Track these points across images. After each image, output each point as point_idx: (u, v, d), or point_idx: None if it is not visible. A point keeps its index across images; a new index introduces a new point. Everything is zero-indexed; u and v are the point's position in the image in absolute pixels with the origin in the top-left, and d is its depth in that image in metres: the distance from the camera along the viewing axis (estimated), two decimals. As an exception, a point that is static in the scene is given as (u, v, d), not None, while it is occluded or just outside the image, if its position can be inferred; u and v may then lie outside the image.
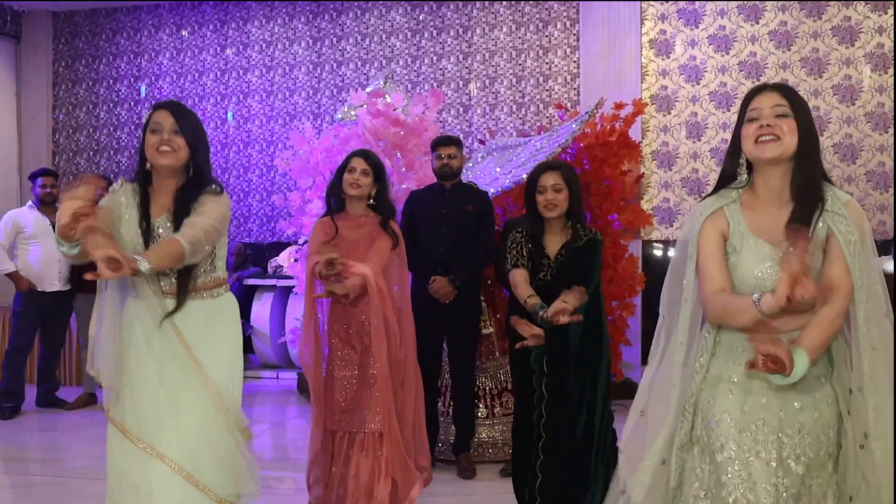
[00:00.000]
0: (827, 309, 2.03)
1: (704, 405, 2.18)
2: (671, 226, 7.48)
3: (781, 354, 1.92)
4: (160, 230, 2.50)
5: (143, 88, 8.88)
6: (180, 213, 2.48)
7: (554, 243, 3.22)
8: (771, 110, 2.07)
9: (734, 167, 2.18)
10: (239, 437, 2.58)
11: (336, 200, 3.52)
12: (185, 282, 2.49)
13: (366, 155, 3.49)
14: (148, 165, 2.52)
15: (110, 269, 2.06)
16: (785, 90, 2.12)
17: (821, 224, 2.08)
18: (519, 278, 3.17)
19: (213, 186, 2.54)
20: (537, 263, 3.18)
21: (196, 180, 2.53)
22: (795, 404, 2.11)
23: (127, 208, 2.50)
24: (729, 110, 7.42)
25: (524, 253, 3.20)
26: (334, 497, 3.40)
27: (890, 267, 5.49)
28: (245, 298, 7.40)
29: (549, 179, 3.15)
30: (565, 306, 2.94)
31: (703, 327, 2.24)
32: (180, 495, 2.46)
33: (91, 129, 9.02)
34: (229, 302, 2.66)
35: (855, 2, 7.21)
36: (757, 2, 7.43)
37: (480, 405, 4.77)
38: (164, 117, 2.49)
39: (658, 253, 7.64)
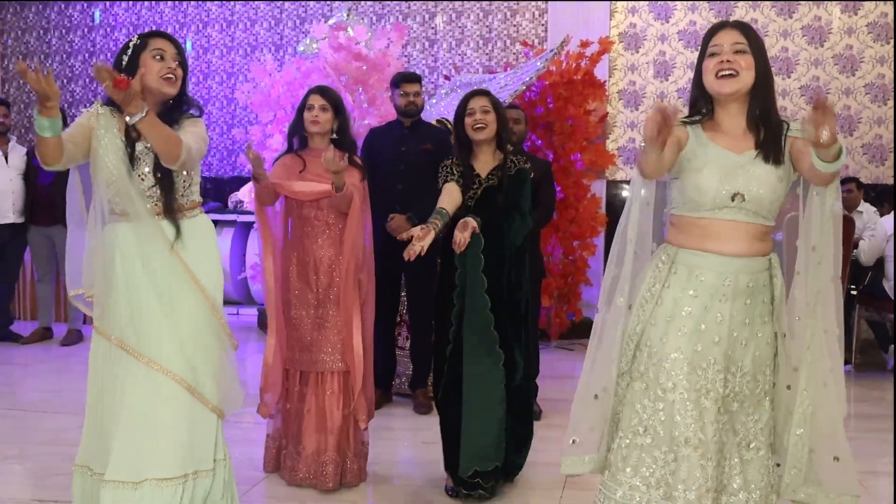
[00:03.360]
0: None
1: (655, 341, 2.19)
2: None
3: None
4: (141, 154, 2.55)
5: (97, 14, 8.55)
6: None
7: (484, 166, 3.32)
8: (731, 46, 2.17)
9: (702, 98, 2.25)
10: (229, 345, 2.68)
11: (299, 139, 3.48)
12: (170, 202, 2.56)
13: (323, 91, 3.45)
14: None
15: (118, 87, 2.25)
16: (743, 28, 2.21)
17: (785, 144, 2.18)
18: (444, 191, 3.24)
19: (194, 110, 2.64)
20: (468, 183, 3.28)
21: (180, 103, 2.60)
22: (742, 342, 2.17)
23: (106, 131, 2.51)
24: (697, 50, 7.34)
25: (454, 171, 3.29)
26: (291, 431, 3.45)
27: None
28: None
29: (478, 102, 3.30)
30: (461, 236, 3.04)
31: (655, 257, 2.27)
32: (181, 405, 2.54)
33: (42, 56, 8.69)
34: (206, 221, 2.73)
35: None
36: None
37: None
38: (166, 45, 2.55)
39: (623, 193, 7.65)
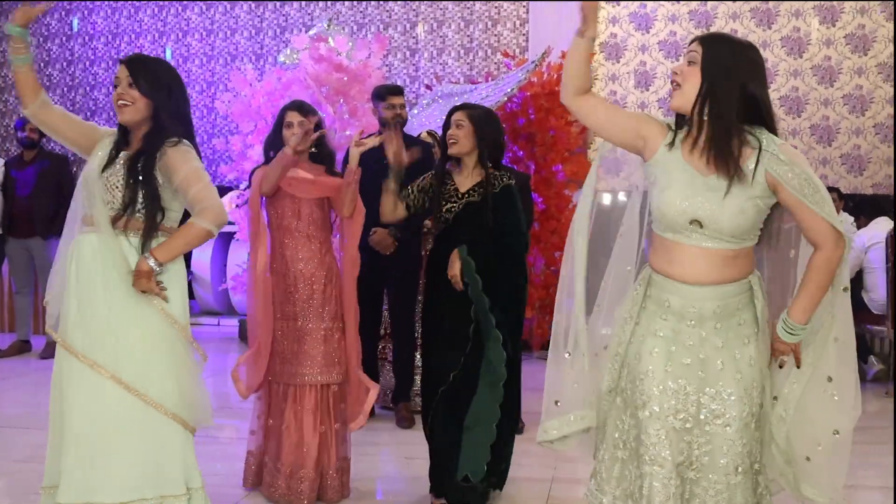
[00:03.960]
0: (813, 266, 2.10)
1: (631, 359, 2.21)
2: (617, 175, 7.49)
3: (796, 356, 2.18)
4: (117, 165, 2.57)
5: (75, 22, 8.47)
6: (138, 156, 2.54)
7: (465, 181, 3.29)
8: (685, 58, 2.12)
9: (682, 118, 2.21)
10: (194, 354, 2.63)
11: (276, 152, 3.44)
12: (153, 221, 2.55)
13: (300, 107, 3.46)
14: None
15: None
16: (707, 40, 2.13)
17: (759, 167, 2.07)
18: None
19: (173, 139, 2.57)
20: (445, 197, 3.26)
21: (156, 129, 2.57)
22: (718, 364, 2.14)
23: (102, 148, 2.61)
24: (678, 60, 7.40)
25: (414, 191, 3.32)
26: (271, 447, 3.42)
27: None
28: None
29: (455, 116, 3.27)
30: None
31: (634, 280, 2.29)
32: (136, 420, 2.49)
33: (20, 65, 8.61)
34: None
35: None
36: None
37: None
38: (121, 71, 2.58)
39: (605, 202, 7.68)
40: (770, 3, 7.29)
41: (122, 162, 2.56)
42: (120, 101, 2.54)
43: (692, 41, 2.16)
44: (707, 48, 2.10)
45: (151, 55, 2.72)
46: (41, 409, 4.83)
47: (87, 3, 8.45)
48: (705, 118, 2.09)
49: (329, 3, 7.95)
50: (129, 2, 8.30)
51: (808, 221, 2.08)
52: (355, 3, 7.88)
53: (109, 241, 2.52)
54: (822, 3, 7.20)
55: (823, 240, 2.08)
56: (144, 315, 2.53)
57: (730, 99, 2.07)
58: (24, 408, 4.94)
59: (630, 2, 7.44)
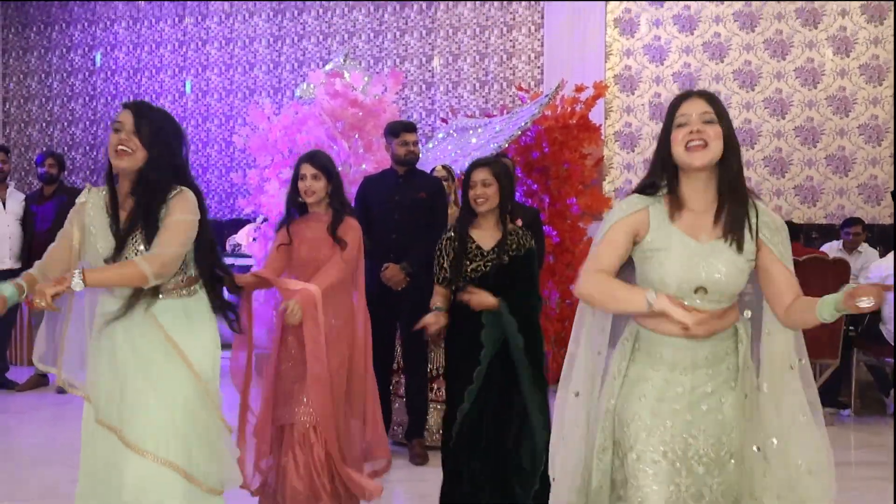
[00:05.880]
0: (808, 299, 2.14)
1: (620, 408, 2.25)
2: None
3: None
4: (135, 238, 2.49)
5: (97, 58, 8.64)
6: (150, 228, 2.46)
7: (487, 238, 3.31)
8: (699, 116, 2.14)
9: (661, 176, 2.20)
10: (222, 426, 2.62)
11: (296, 207, 3.52)
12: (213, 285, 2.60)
13: (312, 158, 3.48)
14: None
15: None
16: (709, 98, 2.19)
17: (755, 232, 2.16)
18: (436, 293, 3.38)
19: (174, 190, 2.50)
20: (471, 256, 3.28)
21: (148, 187, 2.48)
22: (703, 407, 2.19)
23: (95, 217, 2.51)
24: (692, 91, 7.40)
25: (445, 265, 3.32)
26: (272, 484, 3.44)
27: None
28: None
29: (479, 175, 3.28)
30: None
31: (621, 335, 2.30)
32: (170, 488, 2.47)
33: (44, 100, 8.78)
34: (202, 300, 2.66)
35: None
36: (722, -18, 7.40)
37: (435, 386, 4.74)
38: (125, 117, 2.50)
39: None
40: (784, 34, 7.30)
41: (140, 234, 2.48)
42: (120, 147, 2.46)
43: (686, 97, 2.19)
44: (714, 106, 2.16)
45: (155, 105, 2.59)
46: (57, 443, 4.90)
47: (110, 38, 8.62)
48: (726, 181, 2.14)
49: (346, 37, 8.05)
50: (153, 11, 8.41)
51: (784, 278, 2.16)
52: (372, 37, 7.98)
53: (139, 310, 2.48)
54: (836, 33, 7.20)
55: (795, 291, 2.17)
56: (184, 387, 2.52)
57: (740, 157, 2.18)
58: (40, 443, 4.97)
59: (655, 8, 7.48)
